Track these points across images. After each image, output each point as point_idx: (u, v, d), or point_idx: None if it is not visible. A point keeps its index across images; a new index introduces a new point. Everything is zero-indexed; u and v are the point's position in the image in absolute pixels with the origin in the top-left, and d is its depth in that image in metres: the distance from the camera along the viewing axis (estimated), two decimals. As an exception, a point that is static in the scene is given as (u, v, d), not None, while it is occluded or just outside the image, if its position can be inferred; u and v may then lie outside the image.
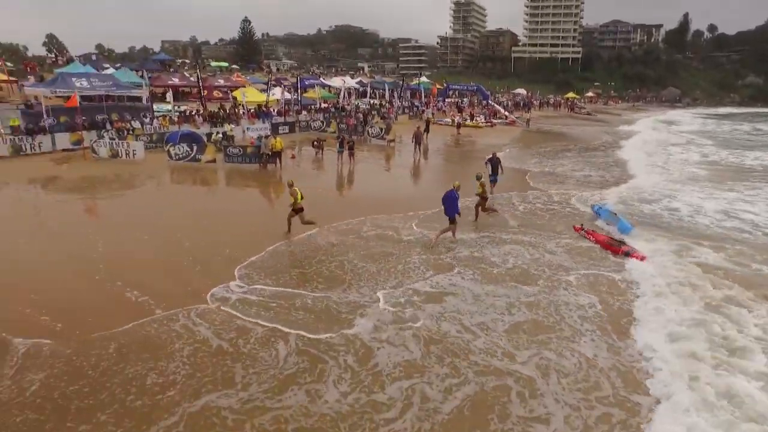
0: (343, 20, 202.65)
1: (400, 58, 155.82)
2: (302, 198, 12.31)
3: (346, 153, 23.08)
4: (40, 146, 23.33)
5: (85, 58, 56.45)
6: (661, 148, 35.45)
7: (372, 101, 49.08)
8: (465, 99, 66.88)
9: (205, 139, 26.61)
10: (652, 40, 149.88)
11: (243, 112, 34.54)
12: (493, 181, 16.85)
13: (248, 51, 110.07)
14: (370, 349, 7.73)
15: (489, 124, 45.30)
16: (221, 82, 52.50)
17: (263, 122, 34.09)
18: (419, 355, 7.62)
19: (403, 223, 14.03)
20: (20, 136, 22.97)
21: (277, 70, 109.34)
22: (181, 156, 21.84)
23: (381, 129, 32.04)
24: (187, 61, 76.81)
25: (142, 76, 45.69)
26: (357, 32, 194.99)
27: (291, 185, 12.44)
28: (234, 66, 76.84)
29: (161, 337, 7.89)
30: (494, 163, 17.07)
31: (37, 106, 25.75)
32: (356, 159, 23.43)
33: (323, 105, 42.64)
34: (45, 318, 8.29)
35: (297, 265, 11.15)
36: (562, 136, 42.57)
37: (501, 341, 8.05)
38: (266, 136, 21.47)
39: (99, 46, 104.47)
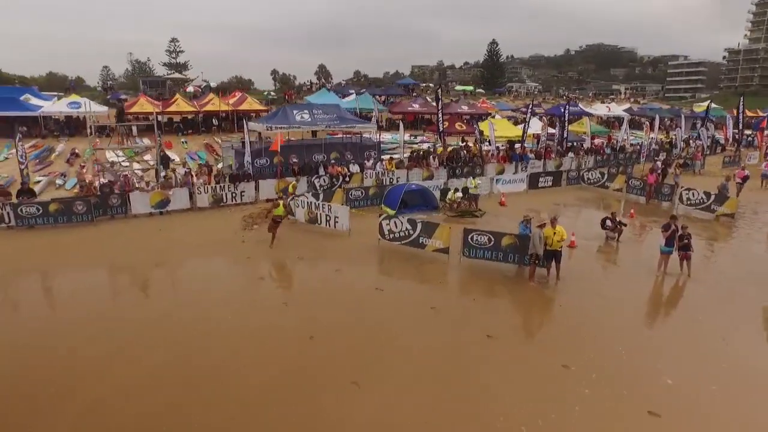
0: (595, 39, 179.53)
1: (667, 78, 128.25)
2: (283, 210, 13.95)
3: (673, 253, 12.07)
4: (242, 196, 18.31)
5: (337, 85, 55.96)
6: None
7: (653, 137, 34.16)
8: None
9: (437, 198, 18.47)
10: None
11: (492, 153, 25.53)
12: None
13: (492, 73, 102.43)
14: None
15: None
16: (464, 108, 44.86)
17: (516, 170, 24.47)
18: None
19: None
20: (222, 184, 18.25)
21: (525, 93, 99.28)
22: (398, 236, 13.63)
23: (707, 195, 18.98)
24: (431, 85, 72.53)
25: (384, 103, 41.40)
26: (610, 51, 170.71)
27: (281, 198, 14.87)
28: (479, 90, 69.18)
29: None
30: None
31: (256, 143, 21.28)
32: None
33: (594, 143, 30.76)
34: None
35: None
36: None
37: None
38: (540, 225, 11.53)
39: (356, 73, 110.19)
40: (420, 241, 13.21)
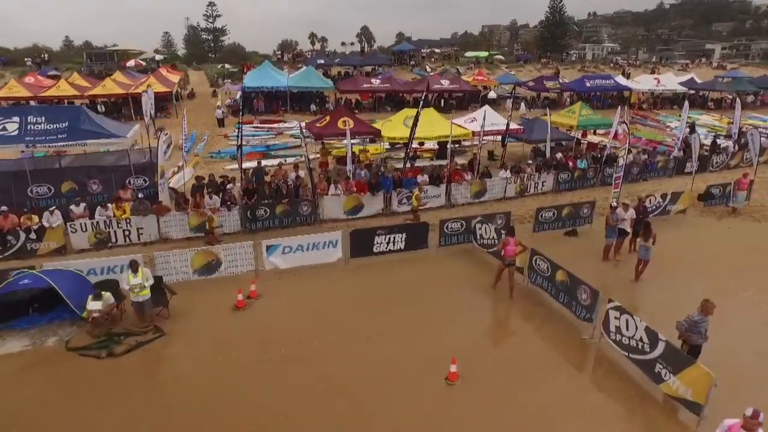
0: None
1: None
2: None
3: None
4: None
5: (336, 55, 45.64)
6: None
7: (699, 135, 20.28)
8: None
9: (90, 297, 9.09)
10: None
11: (350, 173, 15.09)
12: None
13: (553, 34, 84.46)
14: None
15: None
16: (445, 83, 33.03)
17: (385, 206, 14.03)
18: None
19: None
20: None
21: (593, 57, 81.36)
22: None
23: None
24: (435, 50, 58.25)
25: (329, 77, 31.57)
26: (715, 1, 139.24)
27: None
28: (498, 56, 54.39)
29: None
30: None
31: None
32: None
33: (563, 149, 18.78)
34: None
35: None
36: None
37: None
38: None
39: (400, 35, 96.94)
40: None
